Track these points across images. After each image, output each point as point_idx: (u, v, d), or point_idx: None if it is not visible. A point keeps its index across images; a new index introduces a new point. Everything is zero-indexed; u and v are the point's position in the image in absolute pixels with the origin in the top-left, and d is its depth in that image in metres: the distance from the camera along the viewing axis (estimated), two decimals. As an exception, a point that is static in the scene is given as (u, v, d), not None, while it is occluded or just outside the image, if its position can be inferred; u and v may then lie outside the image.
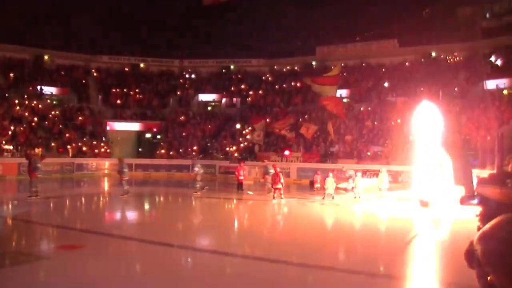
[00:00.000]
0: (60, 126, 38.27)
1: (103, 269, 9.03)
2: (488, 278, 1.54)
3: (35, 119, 37.42)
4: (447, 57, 41.71)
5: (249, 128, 39.82)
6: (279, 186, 20.80)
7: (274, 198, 20.61)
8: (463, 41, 39.45)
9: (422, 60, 42.46)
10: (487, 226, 1.56)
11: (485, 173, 21.12)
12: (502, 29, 37.79)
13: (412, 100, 35.61)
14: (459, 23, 39.64)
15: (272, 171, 22.85)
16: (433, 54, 42.51)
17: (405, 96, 36.59)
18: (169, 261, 9.76)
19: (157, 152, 39.60)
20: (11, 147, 32.90)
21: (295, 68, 48.03)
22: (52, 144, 35.49)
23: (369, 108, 37.82)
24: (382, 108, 36.97)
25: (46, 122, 38.05)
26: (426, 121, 21.77)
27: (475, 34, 39.15)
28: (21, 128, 35.43)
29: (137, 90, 46.62)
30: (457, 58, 40.99)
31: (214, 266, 9.49)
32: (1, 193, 23.85)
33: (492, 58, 36.81)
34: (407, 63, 42.94)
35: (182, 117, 44.37)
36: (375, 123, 35.81)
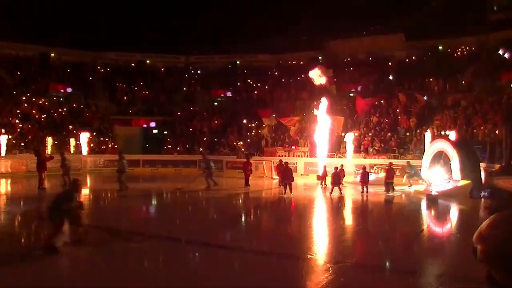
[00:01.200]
0: (70, 125, 38.43)
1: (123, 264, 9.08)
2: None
3: (43, 116, 37.64)
4: (454, 51, 41.48)
5: (256, 122, 39.85)
6: (290, 181, 20.88)
7: (285, 192, 20.67)
8: (471, 35, 39.22)
9: (429, 54, 42.24)
10: (483, 225, 1.60)
11: (493, 167, 21.08)
12: (510, 22, 37.49)
13: (419, 94, 35.58)
14: (466, 17, 39.37)
15: None
16: (440, 48, 42.30)
17: (412, 90, 36.46)
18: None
19: (164, 147, 39.74)
20: (20, 144, 33.16)
21: (301, 63, 47.90)
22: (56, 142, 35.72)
23: (375, 103, 37.67)
24: (389, 102, 36.83)
25: (53, 119, 38.24)
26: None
27: (483, 28, 38.90)
28: (29, 126, 35.63)
29: (143, 87, 46.73)
30: (465, 52, 40.76)
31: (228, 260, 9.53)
32: (10, 190, 24.00)
33: (500, 52, 36.54)
34: (413, 57, 42.75)
35: (189, 113, 44.45)
36: (382, 117, 35.65)
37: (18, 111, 36.51)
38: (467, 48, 40.74)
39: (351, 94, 40.73)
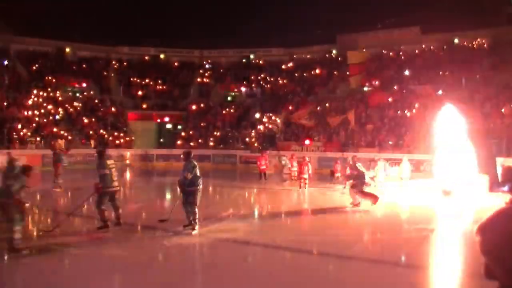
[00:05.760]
0: (84, 118, 38.78)
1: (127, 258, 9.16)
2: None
3: (59, 111, 37.99)
4: (471, 44, 40.91)
5: (270, 114, 39.82)
6: (306, 176, 20.90)
7: (300, 187, 20.68)
8: (487, 28, 38.66)
9: (445, 47, 41.73)
10: (485, 218, 1.63)
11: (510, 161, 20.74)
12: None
13: (434, 88, 35.19)
14: (483, 9, 38.84)
15: None
16: (456, 41, 41.75)
17: (427, 84, 36.07)
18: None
19: (178, 142, 39.86)
20: (36, 139, 33.51)
21: (315, 57, 47.71)
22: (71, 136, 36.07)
23: (390, 97, 37.36)
24: (403, 97, 36.52)
25: (69, 114, 38.59)
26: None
27: (499, 20, 38.32)
28: (45, 120, 35.99)
29: (157, 81, 46.91)
30: (481, 45, 40.19)
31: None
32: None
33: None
34: (431, 48, 42.25)
35: (202, 107, 44.55)
36: (398, 111, 35.36)
37: (34, 105, 36.89)
38: (483, 41, 40.18)
39: (365, 89, 40.46)
